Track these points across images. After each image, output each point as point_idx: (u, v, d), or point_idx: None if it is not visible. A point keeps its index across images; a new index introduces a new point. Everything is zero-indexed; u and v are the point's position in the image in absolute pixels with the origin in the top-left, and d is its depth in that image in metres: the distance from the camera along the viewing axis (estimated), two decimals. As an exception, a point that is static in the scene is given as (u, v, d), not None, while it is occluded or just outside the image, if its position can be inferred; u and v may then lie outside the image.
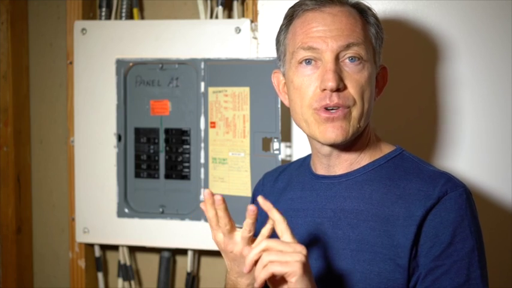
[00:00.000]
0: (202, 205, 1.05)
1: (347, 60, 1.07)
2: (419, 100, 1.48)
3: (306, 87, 1.08)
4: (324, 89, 1.05)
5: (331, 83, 1.04)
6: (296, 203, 1.15)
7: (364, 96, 1.07)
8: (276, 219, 0.98)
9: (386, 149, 1.14)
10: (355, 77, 1.06)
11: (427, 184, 1.04)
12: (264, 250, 0.95)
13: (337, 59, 1.06)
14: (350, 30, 1.07)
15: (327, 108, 1.06)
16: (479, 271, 1.01)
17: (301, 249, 0.94)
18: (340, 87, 1.05)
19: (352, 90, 1.06)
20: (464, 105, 1.46)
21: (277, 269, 0.93)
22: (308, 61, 1.08)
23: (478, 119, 1.46)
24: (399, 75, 1.42)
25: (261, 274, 0.94)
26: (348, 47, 1.06)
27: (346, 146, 1.10)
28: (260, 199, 1.00)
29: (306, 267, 0.94)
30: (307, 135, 1.14)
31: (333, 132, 1.06)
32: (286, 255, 0.93)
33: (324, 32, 1.07)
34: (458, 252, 1.00)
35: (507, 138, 1.44)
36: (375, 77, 1.11)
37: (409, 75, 1.47)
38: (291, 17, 1.13)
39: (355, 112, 1.07)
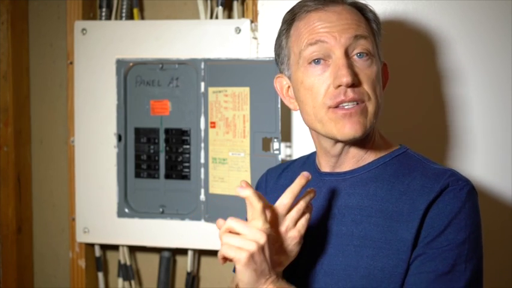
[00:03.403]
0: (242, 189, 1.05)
1: (355, 57, 1.07)
2: (420, 101, 1.48)
3: (318, 86, 1.07)
4: (339, 85, 1.04)
5: (346, 78, 1.03)
6: (324, 201, 1.15)
7: (377, 91, 1.08)
8: (253, 205, 1.00)
9: (390, 147, 1.14)
10: (366, 72, 1.06)
11: (431, 181, 1.05)
12: (227, 230, 0.99)
13: (346, 55, 1.06)
14: (356, 24, 1.08)
15: (341, 105, 1.06)
16: (465, 265, 1.00)
17: (258, 238, 0.97)
18: (355, 83, 1.05)
19: (366, 85, 1.06)
20: (465, 105, 1.46)
21: (228, 253, 0.97)
22: (317, 61, 1.07)
23: (480, 118, 1.46)
24: (401, 76, 1.42)
25: (219, 254, 0.99)
26: (356, 38, 1.06)
27: (357, 142, 1.10)
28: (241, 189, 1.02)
29: (254, 257, 0.96)
30: (321, 135, 1.11)
31: (352, 128, 1.05)
32: (241, 240, 0.97)
33: (330, 27, 1.07)
34: (449, 242, 1.00)
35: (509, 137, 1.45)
36: (381, 72, 1.12)
37: (410, 76, 1.48)
38: (291, 20, 1.13)
39: (371, 107, 1.07)
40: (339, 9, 1.09)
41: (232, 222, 0.99)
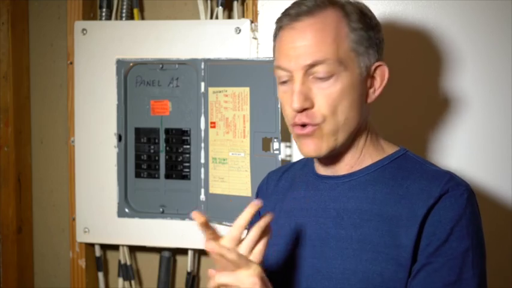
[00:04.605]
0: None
1: (315, 77, 1.06)
2: (420, 101, 1.48)
3: (284, 105, 1.10)
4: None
5: (295, 105, 1.05)
6: (300, 203, 1.16)
7: (339, 109, 1.06)
8: (229, 258, 0.98)
9: (389, 149, 1.13)
10: (325, 92, 1.05)
11: (430, 183, 1.04)
12: (219, 285, 0.99)
13: (306, 75, 1.06)
14: (317, 45, 1.05)
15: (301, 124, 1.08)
16: (472, 272, 1.00)
17: (252, 285, 0.96)
18: (307, 107, 1.05)
19: (321, 107, 1.05)
20: (466, 105, 1.46)
21: None
22: (284, 81, 1.09)
23: (479, 119, 1.46)
24: (401, 77, 1.42)
25: None
26: (313, 65, 1.05)
27: (336, 154, 1.10)
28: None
29: None
30: None
31: (308, 147, 1.08)
32: None
33: (291, 50, 1.06)
34: (453, 251, 1.00)
35: (509, 138, 1.45)
36: (359, 81, 1.08)
37: (411, 77, 1.48)
38: (277, 30, 1.12)
39: (327, 127, 1.06)
40: (306, 24, 1.06)
41: (222, 278, 0.98)
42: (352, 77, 1.07)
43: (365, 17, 1.09)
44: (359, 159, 1.12)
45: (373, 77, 1.11)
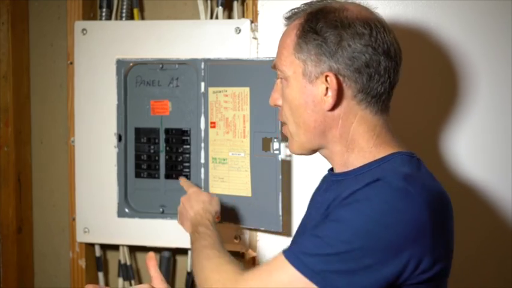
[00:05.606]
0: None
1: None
2: (422, 102, 1.48)
3: None
4: None
5: (269, 101, 1.20)
6: (315, 195, 1.25)
7: (294, 112, 1.13)
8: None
9: (385, 152, 1.11)
10: (284, 94, 1.14)
11: (365, 179, 1.03)
12: None
13: None
14: (280, 50, 1.15)
15: None
16: (308, 243, 1.00)
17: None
18: (278, 104, 1.18)
19: (284, 108, 1.16)
20: (467, 105, 1.46)
21: None
22: None
23: (480, 119, 1.46)
24: (402, 78, 1.42)
25: None
26: (275, 67, 1.16)
27: (314, 151, 1.17)
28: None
29: (183, 217, 1.43)
30: None
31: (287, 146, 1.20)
32: None
33: None
34: (314, 217, 1.11)
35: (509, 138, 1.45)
36: (305, 89, 1.10)
37: (412, 77, 1.48)
38: None
39: (291, 128, 1.15)
40: (286, 29, 1.15)
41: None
42: (298, 84, 1.12)
43: (322, 28, 1.08)
44: (341, 161, 1.13)
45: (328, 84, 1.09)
